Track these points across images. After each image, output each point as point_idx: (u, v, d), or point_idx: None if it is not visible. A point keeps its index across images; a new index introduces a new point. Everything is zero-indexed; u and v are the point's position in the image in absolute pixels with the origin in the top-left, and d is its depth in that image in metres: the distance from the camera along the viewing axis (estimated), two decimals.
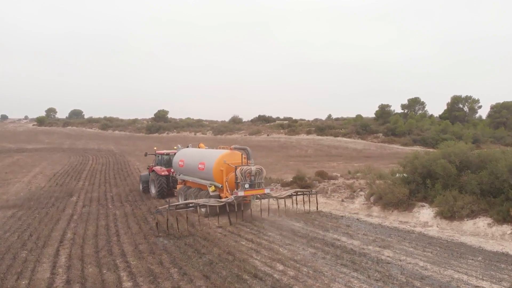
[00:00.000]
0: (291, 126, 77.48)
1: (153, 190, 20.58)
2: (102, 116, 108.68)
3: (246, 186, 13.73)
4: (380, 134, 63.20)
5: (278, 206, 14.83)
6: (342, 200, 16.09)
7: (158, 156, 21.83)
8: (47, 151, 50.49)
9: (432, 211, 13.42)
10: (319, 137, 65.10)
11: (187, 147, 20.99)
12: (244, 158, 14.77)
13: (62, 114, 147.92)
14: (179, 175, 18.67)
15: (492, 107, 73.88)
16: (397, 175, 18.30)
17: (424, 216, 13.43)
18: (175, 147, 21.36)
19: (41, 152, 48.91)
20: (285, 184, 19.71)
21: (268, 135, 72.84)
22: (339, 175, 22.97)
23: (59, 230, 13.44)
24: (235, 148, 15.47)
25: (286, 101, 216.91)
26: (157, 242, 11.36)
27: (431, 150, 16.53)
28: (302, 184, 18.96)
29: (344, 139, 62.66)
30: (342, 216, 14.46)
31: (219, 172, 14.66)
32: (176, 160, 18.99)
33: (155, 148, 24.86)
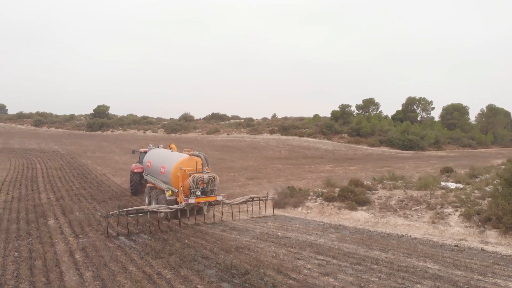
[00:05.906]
0: (250, 125, 74.08)
1: None
2: (33, 111, 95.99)
3: (198, 193, 14.13)
4: (345, 135, 62.29)
5: (232, 213, 15.67)
6: (433, 222, 12.94)
7: (140, 154, 21.45)
8: None
9: None
10: (285, 137, 62.56)
11: (158, 147, 20.51)
12: (200, 165, 14.79)
13: None
14: (146, 175, 18.80)
15: (444, 109, 77.06)
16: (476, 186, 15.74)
17: None
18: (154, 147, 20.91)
19: None
20: (331, 199, 16.19)
21: (228, 134, 68.71)
22: (370, 183, 20.12)
23: None
24: (193, 155, 15.43)
25: (231, 99, 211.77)
26: None
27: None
28: (356, 199, 15.65)
29: (310, 139, 60.75)
30: (457, 246, 11.27)
31: (176, 177, 14.80)
32: (145, 160, 18.92)
33: (142, 146, 24.28)
